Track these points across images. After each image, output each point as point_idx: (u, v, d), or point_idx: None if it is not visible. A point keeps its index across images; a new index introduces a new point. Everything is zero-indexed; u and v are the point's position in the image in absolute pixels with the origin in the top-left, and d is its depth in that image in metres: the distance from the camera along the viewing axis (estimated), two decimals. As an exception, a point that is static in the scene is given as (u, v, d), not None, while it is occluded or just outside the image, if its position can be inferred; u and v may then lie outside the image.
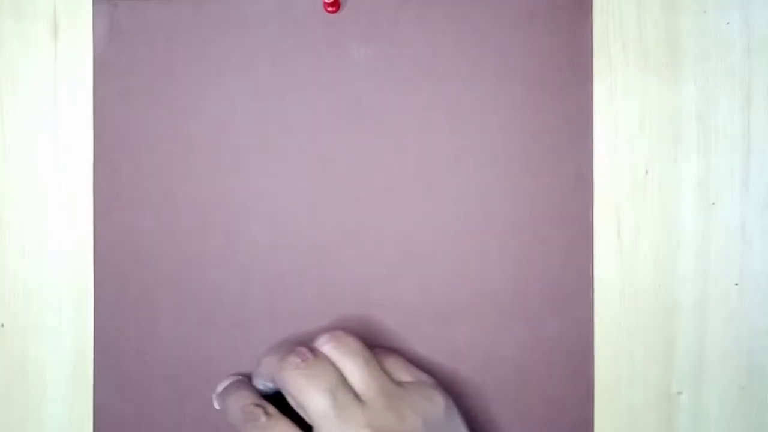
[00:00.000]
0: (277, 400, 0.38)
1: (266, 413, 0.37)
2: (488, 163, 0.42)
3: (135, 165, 0.42)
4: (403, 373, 0.38)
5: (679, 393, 0.41)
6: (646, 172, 0.42)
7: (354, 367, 0.36)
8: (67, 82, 0.43)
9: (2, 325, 0.43)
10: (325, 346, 0.37)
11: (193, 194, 0.42)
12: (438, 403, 0.37)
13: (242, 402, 0.38)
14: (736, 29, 0.42)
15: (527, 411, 0.41)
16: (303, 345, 0.38)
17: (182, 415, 0.42)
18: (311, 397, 0.35)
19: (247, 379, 0.41)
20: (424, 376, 0.39)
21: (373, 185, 0.42)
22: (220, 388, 0.41)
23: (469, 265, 0.42)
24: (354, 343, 0.37)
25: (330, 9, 0.42)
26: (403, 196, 0.42)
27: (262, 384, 0.39)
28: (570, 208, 0.42)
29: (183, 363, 0.42)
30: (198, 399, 0.42)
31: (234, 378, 0.41)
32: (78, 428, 0.42)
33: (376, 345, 0.41)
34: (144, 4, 0.42)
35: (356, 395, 0.36)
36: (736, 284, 0.42)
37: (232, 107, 0.42)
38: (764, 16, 0.42)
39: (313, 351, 0.37)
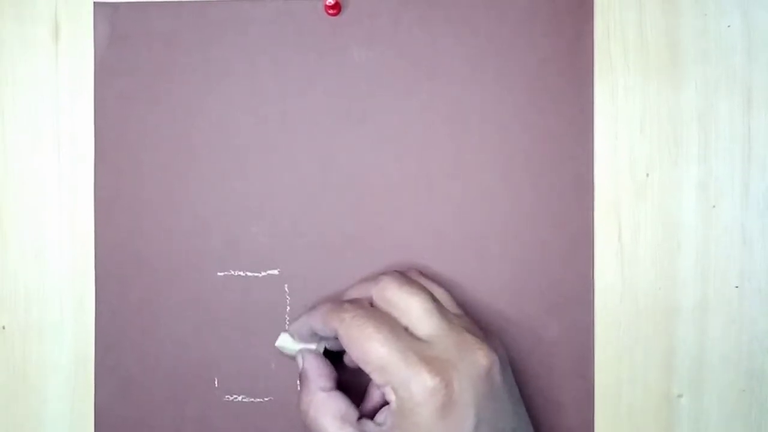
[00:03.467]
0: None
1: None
2: (489, 165, 0.42)
3: (136, 167, 0.43)
4: (455, 308, 0.39)
5: (680, 396, 0.42)
6: (647, 174, 0.42)
7: (418, 310, 0.37)
8: (68, 84, 0.43)
9: (3, 327, 0.43)
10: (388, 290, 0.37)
11: (194, 196, 0.42)
12: (484, 361, 0.36)
13: (331, 304, 0.38)
14: (736, 32, 0.42)
15: (528, 413, 0.41)
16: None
17: (183, 415, 0.42)
18: (369, 348, 0.35)
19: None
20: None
21: (374, 187, 0.42)
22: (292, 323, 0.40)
23: (470, 267, 0.42)
24: (413, 287, 0.37)
25: (331, 12, 0.42)
26: (404, 198, 0.42)
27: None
28: (570, 211, 0.42)
29: (184, 364, 0.42)
30: (199, 399, 0.42)
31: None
32: (79, 429, 0.42)
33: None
34: (145, 7, 0.43)
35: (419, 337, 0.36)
36: (737, 287, 0.42)
37: (233, 109, 0.42)
38: (765, 19, 0.42)
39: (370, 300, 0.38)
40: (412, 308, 0.36)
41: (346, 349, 0.36)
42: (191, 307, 0.42)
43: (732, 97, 0.42)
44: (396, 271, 0.39)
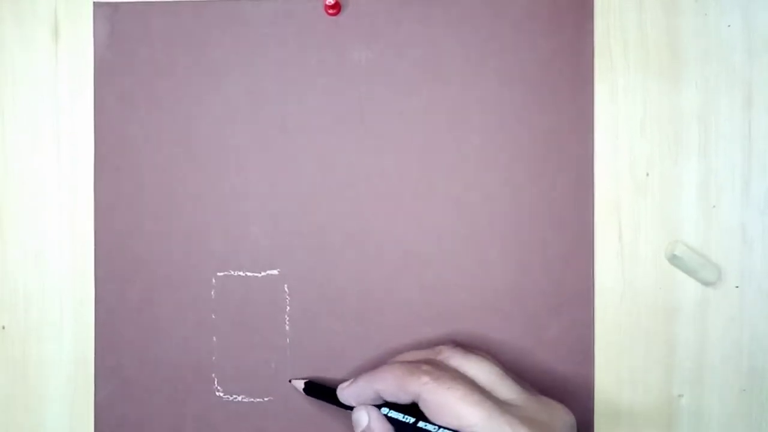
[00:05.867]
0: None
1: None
2: (489, 164, 0.42)
3: (136, 167, 0.43)
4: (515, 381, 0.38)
5: (680, 396, 0.41)
6: (647, 173, 0.42)
7: (490, 375, 0.36)
8: (68, 84, 0.43)
9: (3, 327, 0.43)
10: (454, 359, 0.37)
11: (193, 196, 0.42)
12: (569, 418, 0.37)
13: (405, 367, 0.35)
14: (737, 31, 0.42)
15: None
16: (426, 361, 0.37)
17: (183, 415, 0.42)
18: (466, 410, 0.33)
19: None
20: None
21: (375, 187, 0.42)
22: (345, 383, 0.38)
23: (470, 266, 0.42)
24: (478, 354, 0.37)
25: (331, 11, 0.42)
26: (405, 198, 0.42)
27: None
28: (571, 210, 0.42)
29: (184, 364, 0.42)
30: (199, 399, 0.42)
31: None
32: (79, 429, 0.42)
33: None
34: (144, 7, 0.43)
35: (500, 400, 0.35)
36: (737, 286, 0.42)
37: (232, 109, 0.42)
38: (765, 18, 0.42)
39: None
40: (484, 374, 0.35)
41: (429, 412, 0.34)
42: (191, 307, 0.42)
43: (732, 96, 0.42)
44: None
